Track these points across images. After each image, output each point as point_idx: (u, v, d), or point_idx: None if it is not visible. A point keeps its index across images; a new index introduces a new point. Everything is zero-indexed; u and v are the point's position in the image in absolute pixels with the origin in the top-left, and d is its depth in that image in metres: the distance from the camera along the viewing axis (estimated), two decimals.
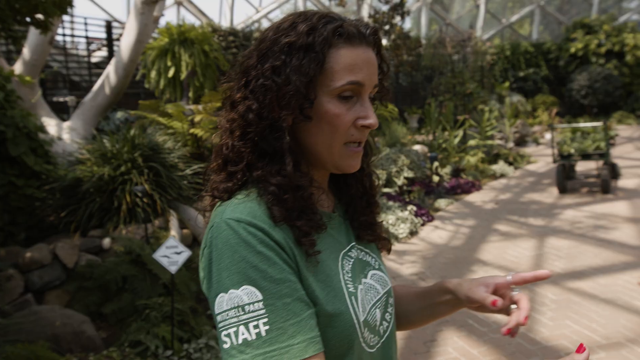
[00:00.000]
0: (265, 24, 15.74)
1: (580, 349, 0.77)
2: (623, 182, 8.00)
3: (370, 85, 0.88)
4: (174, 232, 4.52)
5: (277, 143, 0.84)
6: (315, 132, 0.86)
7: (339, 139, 0.86)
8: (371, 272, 0.97)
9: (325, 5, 15.71)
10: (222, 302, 0.76)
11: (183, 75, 6.95)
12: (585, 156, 7.48)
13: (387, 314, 0.98)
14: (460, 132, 10.45)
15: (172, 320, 3.21)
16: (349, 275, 0.90)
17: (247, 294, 0.75)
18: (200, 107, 5.84)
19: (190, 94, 7.26)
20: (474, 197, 7.77)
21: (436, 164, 8.42)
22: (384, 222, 5.67)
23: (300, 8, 15.04)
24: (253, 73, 0.85)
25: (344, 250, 0.93)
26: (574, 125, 8.37)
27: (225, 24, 12.79)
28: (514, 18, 21.22)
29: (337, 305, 0.83)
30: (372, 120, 0.87)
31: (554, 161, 7.86)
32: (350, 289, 0.88)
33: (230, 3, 13.46)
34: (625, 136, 13.32)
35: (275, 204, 0.82)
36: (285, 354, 0.74)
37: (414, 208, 6.43)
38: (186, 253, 3.11)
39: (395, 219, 5.97)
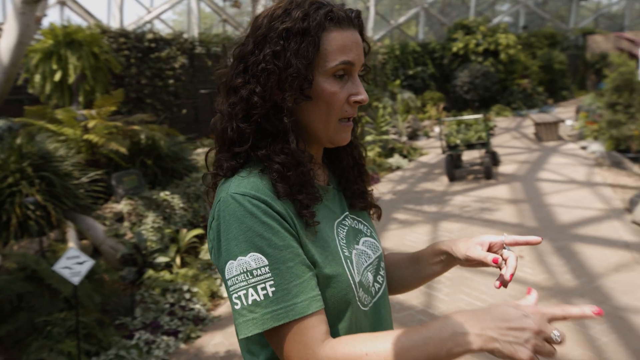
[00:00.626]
0: (159, 25, 15.23)
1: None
2: (503, 168, 8.83)
3: (359, 64, 0.95)
4: (72, 243, 4.30)
5: (281, 123, 0.91)
6: (313, 111, 0.93)
7: (334, 116, 0.94)
8: (363, 238, 1.06)
9: (219, 7, 15.55)
10: (232, 268, 0.84)
11: (71, 79, 6.56)
12: (470, 146, 8.15)
13: (379, 276, 1.06)
14: (358, 129, 10.88)
15: (78, 334, 3.09)
16: (344, 241, 0.98)
17: (254, 260, 0.83)
18: (93, 112, 5.58)
19: (81, 99, 6.87)
20: (374, 189, 8.14)
21: None
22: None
23: (194, 9, 14.75)
24: (252, 59, 0.91)
25: (339, 219, 1.01)
26: (459, 118, 9.05)
27: (114, 24, 12.19)
28: (402, 19, 22.37)
29: (335, 267, 0.91)
30: (363, 95, 0.95)
31: (443, 152, 8.47)
32: (345, 253, 0.96)
33: (120, 3, 12.86)
34: (503, 127, 14.63)
35: (280, 181, 0.89)
36: (290, 311, 0.82)
37: None
38: (89, 262, 3.01)
39: None
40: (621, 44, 18.45)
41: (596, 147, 9.38)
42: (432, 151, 11.45)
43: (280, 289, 0.83)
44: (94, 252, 4.61)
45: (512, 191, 7.21)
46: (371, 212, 1.15)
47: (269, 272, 0.83)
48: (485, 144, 8.12)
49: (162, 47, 10.92)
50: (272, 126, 0.92)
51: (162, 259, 4.61)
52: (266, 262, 0.83)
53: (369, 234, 1.08)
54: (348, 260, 0.96)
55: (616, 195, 6.41)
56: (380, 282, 1.06)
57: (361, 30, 0.98)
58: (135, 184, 5.48)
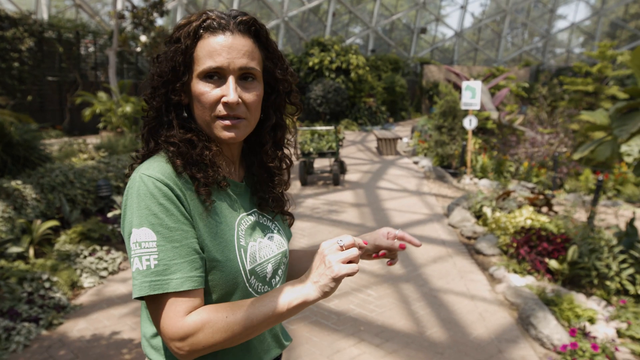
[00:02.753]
0: (5, 3, 13.77)
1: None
2: (349, 176, 9.81)
3: (233, 67, 1.00)
4: None
5: (168, 115, 1.06)
6: (195, 108, 1.04)
7: (208, 113, 1.02)
8: (269, 234, 1.15)
9: None
10: (130, 238, 0.95)
11: None
12: (321, 154, 8.93)
13: (280, 270, 1.16)
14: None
15: None
16: (243, 233, 1.07)
17: (145, 234, 0.93)
18: None
19: None
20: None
21: None
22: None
23: None
24: (156, 61, 1.07)
25: (245, 213, 1.11)
26: (313, 128, 9.82)
27: None
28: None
29: (226, 253, 1.01)
30: (231, 97, 1.00)
31: (297, 159, 9.13)
32: (241, 243, 1.05)
33: None
34: (350, 139, 15.97)
35: (176, 157, 1.01)
36: (165, 285, 0.92)
37: None
38: None
39: None
40: (450, 76, 21.23)
41: (425, 162, 10.88)
42: None
43: (162, 264, 0.92)
44: None
45: (356, 196, 8.12)
46: (285, 217, 1.25)
47: (155, 247, 0.93)
48: (334, 154, 8.98)
49: (7, 26, 10.02)
50: (167, 118, 1.05)
51: (14, 250, 4.46)
52: (154, 238, 0.93)
53: (275, 231, 1.17)
54: (242, 249, 1.04)
55: (438, 203, 7.64)
56: (280, 275, 1.16)
57: (256, 35, 1.06)
58: None
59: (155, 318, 0.95)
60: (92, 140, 9.27)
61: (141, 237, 0.93)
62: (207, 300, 1.01)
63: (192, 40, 1.00)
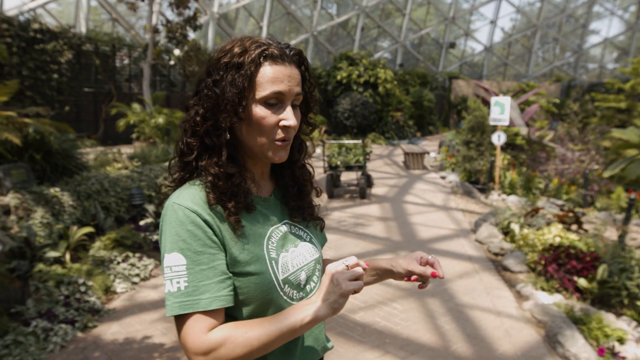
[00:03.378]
0: (44, 15, 14.37)
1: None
2: (375, 190, 9.84)
3: (291, 94, 1.09)
4: None
5: (217, 140, 1.09)
6: (248, 131, 1.09)
7: (266, 136, 1.09)
8: (301, 243, 1.21)
9: (110, 5, 15.10)
10: (163, 261, 1.03)
11: None
12: (348, 168, 9.00)
13: (315, 276, 1.21)
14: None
15: None
16: (274, 245, 1.13)
17: (175, 258, 1.02)
18: None
19: None
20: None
21: None
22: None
23: (84, 4, 14.18)
24: (202, 85, 1.10)
25: (276, 225, 1.17)
26: (340, 141, 9.91)
27: None
28: (292, 43, 23.25)
29: (259, 267, 1.08)
30: (292, 121, 1.08)
31: (325, 171, 9.26)
32: (272, 255, 1.12)
33: None
34: (377, 153, 16.00)
35: (211, 190, 1.07)
36: (194, 304, 1.00)
37: None
38: None
39: None
40: (479, 91, 21.11)
41: (453, 177, 10.83)
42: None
43: (191, 285, 1.00)
44: None
45: (382, 210, 8.15)
46: (317, 223, 1.31)
47: (184, 271, 1.01)
48: (361, 167, 9.03)
49: (48, 39, 10.45)
50: (212, 141, 1.09)
51: (52, 254, 4.64)
52: (184, 262, 1.01)
53: (307, 240, 1.23)
54: (273, 261, 1.11)
55: (465, 219, 7.60)
56: (315, 281, 1.21)
57: (304, 65, 1.15)
58: (23, 178, 5.39)
59: (181, 334, 1.02)
60: (126, 150, 9.55)
61: (172, 262, 1.02)
62: (245, 311, 1.08)
63: (255, 66, 1.06)
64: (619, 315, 4.08)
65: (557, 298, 4.35)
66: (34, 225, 4.94)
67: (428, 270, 1.21)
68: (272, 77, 1.06)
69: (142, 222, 6.08)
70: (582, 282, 4.36)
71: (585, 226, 6.66)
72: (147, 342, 3.54)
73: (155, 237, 5.72)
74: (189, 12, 10.95)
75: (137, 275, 4.77)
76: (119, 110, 10.45)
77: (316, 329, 1.23)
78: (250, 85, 1.06)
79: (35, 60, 10.08)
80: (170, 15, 21.52)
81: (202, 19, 17.74)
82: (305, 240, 1.22)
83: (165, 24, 11.00)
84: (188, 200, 1.04)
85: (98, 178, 6.16)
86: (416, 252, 1.27)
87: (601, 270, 4.25)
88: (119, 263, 4.83)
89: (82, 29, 13.81)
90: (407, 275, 1.24)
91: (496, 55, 33.05)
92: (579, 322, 3.79)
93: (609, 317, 3.89)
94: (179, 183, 1.14)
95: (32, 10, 12.18)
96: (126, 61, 14.30)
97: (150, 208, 6.25)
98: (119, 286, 4.52)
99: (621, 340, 3.56)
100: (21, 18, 10.38)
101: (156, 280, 4.77)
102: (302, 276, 1.17)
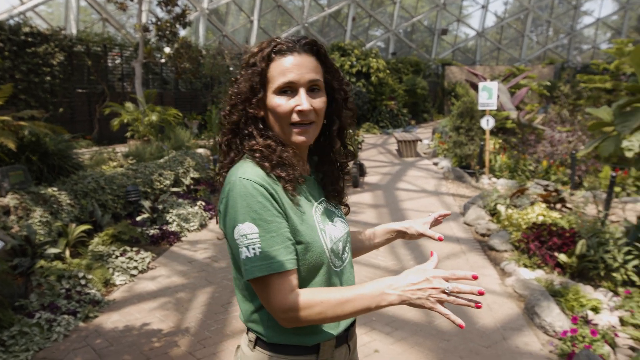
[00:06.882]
0: (34, 17, 14.45)
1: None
2: (368, 178, 10.00)
3: (302, 81, 1.20)
4: None
5: (249, 127, 1.26)
6: (271, 119, 1.24)
7: (283, 122, 1.22)
8: (336, 218, 1.35)
9: (100, 5, 15.18)
10: (237, 232, 1.13)
11: None
12: None
13: (347, 247, 1.36)
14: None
15: None
16: (320, 218, 1.27)
17: (249, 227, 1.12)
18: None
19: None
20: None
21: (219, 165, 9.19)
22: (176, 217, 6.23)
23: (73, 5, 14.25)
24: (235, 83, 1.29)
25: (317, 202, 1.31)
26: None
27: None
28: (283, 35, 23.29)
29: (313, 236, 1.21)
30: (304, 105, 1.19)
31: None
32: (320, 227, 1.25)
33: None
34: (370, 143, 16.14)
35: (263, 160, 1.20)
36: (269, 266, 1.11)
37: (203, 203, 7.11)
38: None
39: (186, 214, 6.58)
40: (471, 77, 21.21)
41: (445, 163, 11.00)
42: None
43: (265, 250, 1.11)
44: None
45: (375, 198, 8.32)
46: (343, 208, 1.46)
47: (258, 238, 1.11)
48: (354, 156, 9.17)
49: (39, 42, 10.57)
50: (248, 130, 1.25)
51: (52, 251, 4.81)
52: (256, 230, 1.11)
53: (339, 216, 1.38)
54: (322, 232, 1.24)
55: (455, 202, 7.78)
56: (347, 251, 1.37)
57: (316, 53, 1.25)
58: (21, 179, 5.55)
59: (264, 295, 1.13)
60: (121, 148, 9.70)
61: (246, 231, 1.12)
62: (301, 274, 1.19)
63: (266, 63, 1.20)
64: (596, 287, 4.27)
65: (539, 273, 4.54)
66: (33, 224, 5.11)
67: (436, 235, 1.37)
68: (281, 69, 1.19)
69: (138, 218, 6.26)
70: (562, 257, 4.54)
71: (571, 205, 6.83)
72: (145, 328, 3.72)
73: (151, 232, 5.89)
74: (178, 10, 11.05)
75: (135, 267, 4.95)
76: (112, 109, 10.59)
77: None
78: (263, 80, 1.21)
79: (28, 63, 10.21)
80: (161, 13, 21.56)
81: (192, 16, 17.80)
82: (338, 217, 1.37)
83: (155, 22, 11.10)
84: (254, 175, 1.15)
85: (94, 177, 6.32)
86: (423, 217, 1.51)
87: (580, 245, 4.43)
88: (117, 257, 5.00)
89: (73, 30, 13.90)
90: (418, 237, 1.49)
91: (489, 40, 33.10)
92: (557, 294, 3.97)
93: (586, 289, 4.08)
94: (229, 164, 1.26)
95: (22, 14, 12.27)
96: (118, 61, 14.40)
97: (146, 204, 6.42)
98: (118, 279, 4.70)
99: (596, 310, 3.75)
100: (11, 22, 10.50)
101: (153, 272, 4.95)
102: (340, 246, 1.31)
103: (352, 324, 1.37)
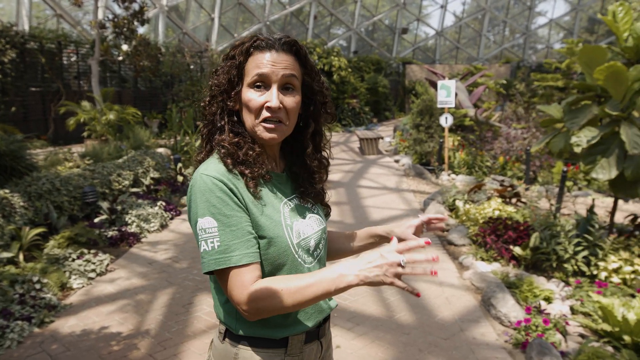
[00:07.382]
0: None
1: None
2: (330, 176, 10.02)
3: (275, 76, 1.20)
4: None
5: (222, 120, 1.28)
6: (243, 113, 1.26)
7: (254, 117, 1.23)
8: (310, 214, 1.34)
9: (55, 2, 14.70)
10: (197, 226, 1.15)
11: None
12: None
13: (321, 244, 1.35)
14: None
15: None
16: (288, 214, 1.27)
17: (208, 222, 1.14)
18: None
19: None
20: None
21: (180, 165, 9.07)
22: (135, 217, 6.11)
23: (25, 1, 13.74)
24: (215, 74, 1.31)
25: (288, 198, 1.31)
26: None
27: None
28: (245, 33, 23.20)
29: (276, 231, 1.21)
30: (273, 102, 1.19)
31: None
32: (287, 222, 1.25)
33: None
34: (333, 141, 16.20)
35: (227, 157, 1.22)
36: (227, 261, 1.12)
37: (163, 204, 7.00)
38: None
39: (146, 214, 6.46)
40: (431, 75, 21.58)
41: (406, 160, 11.17)
42: None
43: (223, 244, 1.13)
44: None
45: (337, 195, 8.38)
46: (324, 208, 1.45)
47: (216, 232, 1.13)
48: None
49: None
50: (221, 123, 1.27)
51: (4, 255, 4.65)
52: (215, 225, 1.14)
53: (315, 212, 1.37)
54: (288, 228, 1.24)
55: (416, 199, 7.92)
56: (321, 248, 1.35)
57: (295, 53, 1.25)
58: None
59: (226, 288, 1.15)
60: (77, 149, 9.43)
61: (205, 225, 1.14)
62: (265, 269, 1.20)
63: (244, 56, 1.22)
64: (549, 278, 4.44)
65: (495, 266, 4.68)
66: None
67: (421, 241, 1.24)
68: (256, 63, 1.21)
69: (96, 219, 6.11)
70: (517, 250, 4.70)
71: (526, 200, 7.07)
72: (104, 332, 3.65)
73: (110, 233, 5.76)
74: (136, 6, 10.81)
75: (93, 270, 4.83)
76: (68, 108, 10.28)
77: None
78: (240, 73, 1.23)
79: None
80: (118, 9, 21.04)
81: (151, 12, 17.45)
82: (313, 213, 1.36)
83: (112, 19, 10.83)
84: (214, 171, 1.17)
85: (49, 178, 6.13)
86: (409, 221, 1.45)
87: (533, 238, 4.60)
88: (74, 260, 4.87)
89: (25, 26, 13.41)
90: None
91: (448, 40, 33.76)
92: (512, 286, 4.11)
93: (540, 280, 4.24)
94: (202, 160, 1.29)
95: None
96: (74, 58, 13.97)
97: (105, 205, 6.28)
98: (75, 282, 4.58)
99: (549, 299, 3.90)
100: None
101: (112, 275, 4.85)
102: (312, 243, 1.30)
103: (325, 321, 1.37)
